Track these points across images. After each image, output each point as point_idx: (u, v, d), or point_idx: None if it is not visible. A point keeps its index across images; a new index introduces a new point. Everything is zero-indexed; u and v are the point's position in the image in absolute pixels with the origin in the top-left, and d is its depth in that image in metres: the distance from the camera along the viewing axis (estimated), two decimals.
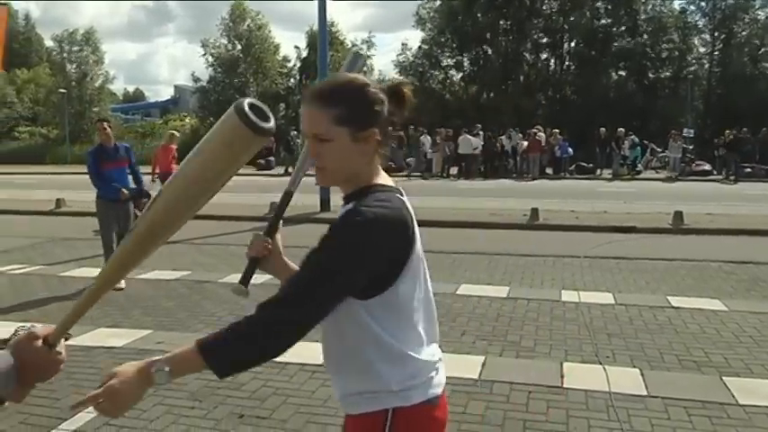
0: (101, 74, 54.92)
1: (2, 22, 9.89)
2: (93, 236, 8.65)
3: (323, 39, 16.36)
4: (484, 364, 5.25)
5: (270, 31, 48.12)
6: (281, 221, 2.08)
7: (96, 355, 5.48)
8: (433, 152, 27.79)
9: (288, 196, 2.05)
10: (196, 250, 10.23)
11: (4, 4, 10.44)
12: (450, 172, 27.38)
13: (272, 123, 1.54)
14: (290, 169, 27.66)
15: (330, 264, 1.64)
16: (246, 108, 1.50)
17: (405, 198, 1.84)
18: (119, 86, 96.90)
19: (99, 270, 1.70)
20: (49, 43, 56.91)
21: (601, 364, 5.29)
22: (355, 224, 1.66)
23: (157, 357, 1.62)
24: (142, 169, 8.78)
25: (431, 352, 1.87)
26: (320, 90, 1.77)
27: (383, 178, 1.85)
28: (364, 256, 1.66)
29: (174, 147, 13.99)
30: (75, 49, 54.14)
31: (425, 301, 1.87)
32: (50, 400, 4.45)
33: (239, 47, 47.20)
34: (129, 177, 8.29)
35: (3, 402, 1.62)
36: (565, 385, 4.82)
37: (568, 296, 7.45)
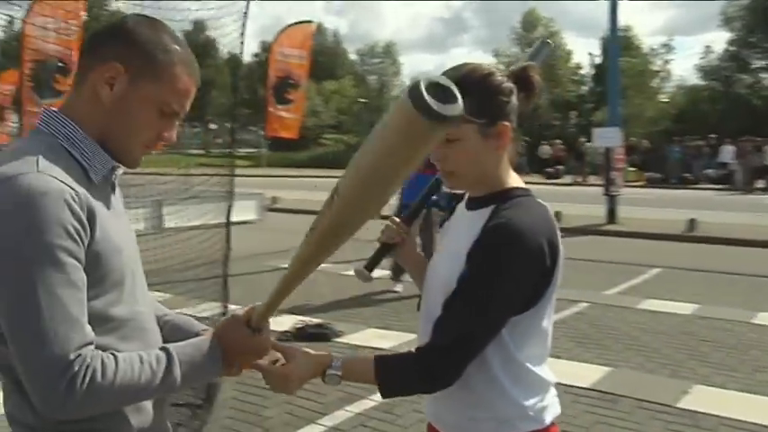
0: (398, 84, 58.29)
1: (309, 38, 10.80)
2: None
3: (614, 43, 15.71)
4: None
5: (563, 38, 47.75)
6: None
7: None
8: (737, 163, 25.33)
9: (439, 182, 1.88)
10: None
11: (311, 21, 11.42)
12: (757, 185, 24.75)
13: (457, 106, 1.19)
14: (578, 179, 26.97)
15: (490, 295, 1.52)
16: (423, 89, 1.15)
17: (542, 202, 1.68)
18: None
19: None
20: (352, 57, 61.86)
21: None
22: (509, 242, 1.51)
23: (336, 357, 1.63)
24: None
25: (548, 368, 1.72)
26: None
27: (516, 180, 1.69)
28: (520, 275, 1.52)
29: None
30: (376, 61, 58.11)
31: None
32: (316, 395, 4.63)
33: None
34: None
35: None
36: None
37: None
